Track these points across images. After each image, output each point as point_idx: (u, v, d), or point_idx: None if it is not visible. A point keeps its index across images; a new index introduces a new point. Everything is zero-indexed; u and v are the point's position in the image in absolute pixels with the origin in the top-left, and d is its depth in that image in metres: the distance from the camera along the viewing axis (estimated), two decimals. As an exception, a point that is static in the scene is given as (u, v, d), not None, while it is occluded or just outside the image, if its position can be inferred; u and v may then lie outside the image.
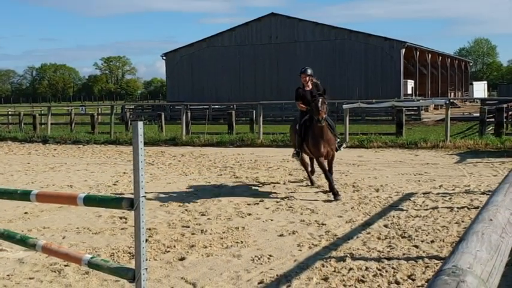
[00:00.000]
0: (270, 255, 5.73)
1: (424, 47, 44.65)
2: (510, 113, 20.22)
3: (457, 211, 7.53)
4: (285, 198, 8.87)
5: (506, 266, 2.18)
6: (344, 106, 17.88)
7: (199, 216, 7.71)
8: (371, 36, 40.70)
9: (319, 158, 9.06)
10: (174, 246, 6.14)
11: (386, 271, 5.11)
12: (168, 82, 48.33)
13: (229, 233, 6.69)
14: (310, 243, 6.18)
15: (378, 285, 4.78)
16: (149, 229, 6.73)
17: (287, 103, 30.71)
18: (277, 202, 8.56)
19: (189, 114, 21.74)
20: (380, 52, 39.71)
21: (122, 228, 7.04)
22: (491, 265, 1.81)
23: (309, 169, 10.11)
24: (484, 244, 1.91)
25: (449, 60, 52.61)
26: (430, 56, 45.80)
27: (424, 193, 8.92)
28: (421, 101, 28.69)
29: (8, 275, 5.26)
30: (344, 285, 4.80)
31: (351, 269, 5.20)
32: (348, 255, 5.64)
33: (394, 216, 7.36)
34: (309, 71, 9.45)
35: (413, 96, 39.71)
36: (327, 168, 9.06)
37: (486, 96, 52.26)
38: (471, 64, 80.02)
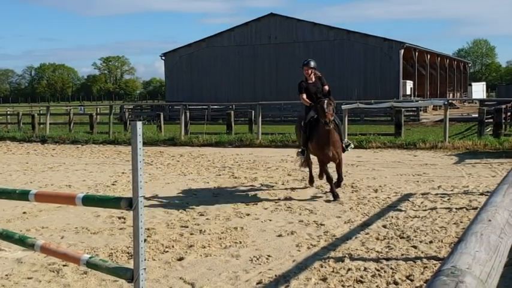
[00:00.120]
0: (269, 256, 5.73)
1: (423, 47, 44.58)
2: (509, 113, 20.23)
3: (456, 212, 7.53)
4: (284, 198, 8.87)
5: (505, 266, 2.18)
6: (343, 106, 17.86)
7: (197, 216, 7.70)
8: (370, 36, 40.64)
9: (324, 165, 8.82)
10: (173, 246, 6.13)
11: (384, 271, 5.11)
12: (167, 82, 48.23)
13: (228, 233, 6.69)
14: (308, 243, 6.18)
15: (377, 286, 4.78)
16: (148, 229, 6.72)
17: (286, 103, 30.71)
18: (276, 202, 8.56)
19: (187, 114, 21.74)
20: (379, 52, 39.67)
21: (121, 228, 7.04)
22: (490, 266, 1.81)
23: (312, 169, 9.80)
24: (482, 245, 1.91)
25: (448, 61, 52.62)
26: (429, 56, 45.76)
27: (422, 194, 8.92)
28: (419, 101, 28.71)
29: (6, 275, 5.26)
30: (342, 286, 4.80)
31: (349, 269, 5.20)
32: (347, 255, 5.64)
33: (392, 217, 7.36)
34: (312, 64, 9.05)
35: (412, 97, 39.68)
36: (337, 178, 8.87)
37: (485, 97, 52.34)
38: (470, 65, 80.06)
